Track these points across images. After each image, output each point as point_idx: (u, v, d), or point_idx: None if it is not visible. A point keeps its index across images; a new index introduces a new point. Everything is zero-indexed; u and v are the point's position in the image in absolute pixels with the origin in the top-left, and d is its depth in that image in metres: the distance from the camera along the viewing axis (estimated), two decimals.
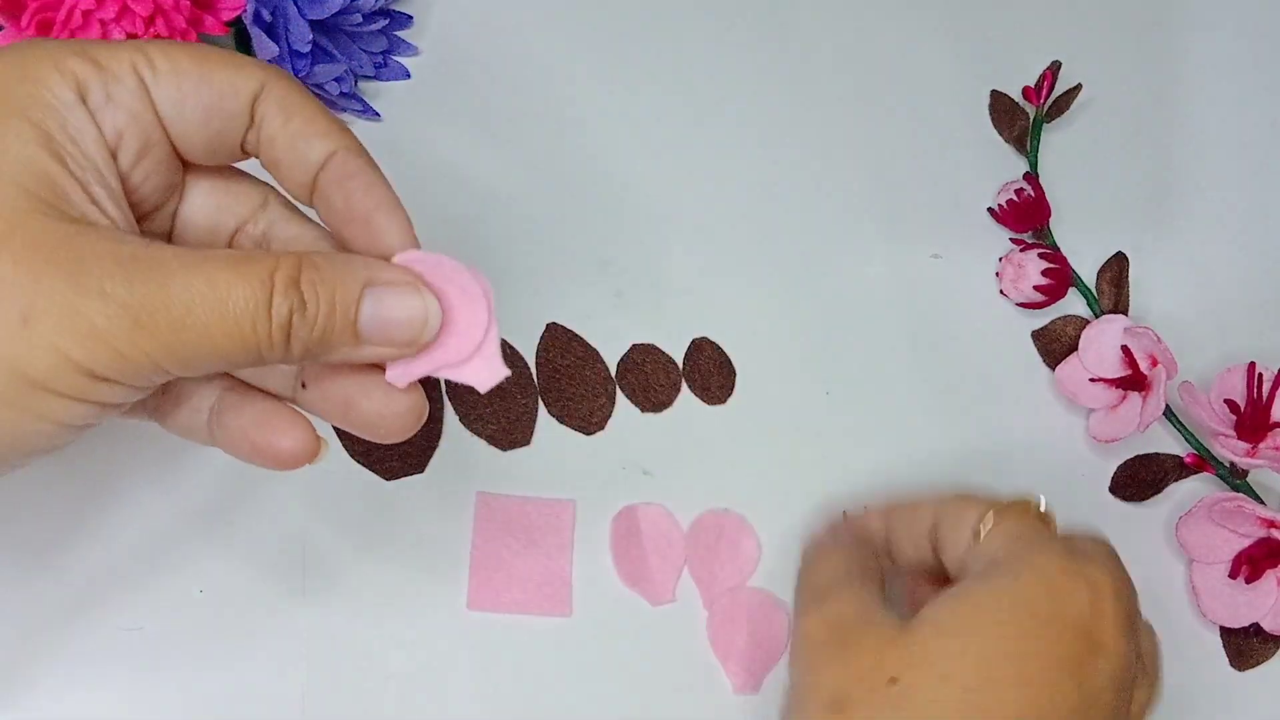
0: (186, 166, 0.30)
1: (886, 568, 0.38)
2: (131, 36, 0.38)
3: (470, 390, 0.42)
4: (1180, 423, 0.45)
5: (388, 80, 0.47)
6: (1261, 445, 0.42)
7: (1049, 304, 0.47)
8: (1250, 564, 0.42)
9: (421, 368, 0.29)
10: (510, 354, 0.44)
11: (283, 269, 0.26)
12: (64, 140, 0.27)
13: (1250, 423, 0.43)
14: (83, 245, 0.25)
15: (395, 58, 0.47)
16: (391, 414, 0.29)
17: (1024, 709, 0.31)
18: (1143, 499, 0.45)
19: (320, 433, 0.31)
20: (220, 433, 0.31)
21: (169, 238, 0.31)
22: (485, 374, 0.29)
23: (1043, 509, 0.36)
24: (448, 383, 0.43)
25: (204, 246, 0.30)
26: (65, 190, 0.26)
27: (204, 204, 0.31)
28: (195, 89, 0.28)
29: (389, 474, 0.42)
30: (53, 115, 0.26)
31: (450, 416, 0.43)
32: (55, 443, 0.27)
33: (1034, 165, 0.49)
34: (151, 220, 0.30)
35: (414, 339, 0.28)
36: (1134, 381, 0.44)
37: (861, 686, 0.32)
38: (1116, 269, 0.48)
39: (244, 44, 0.44)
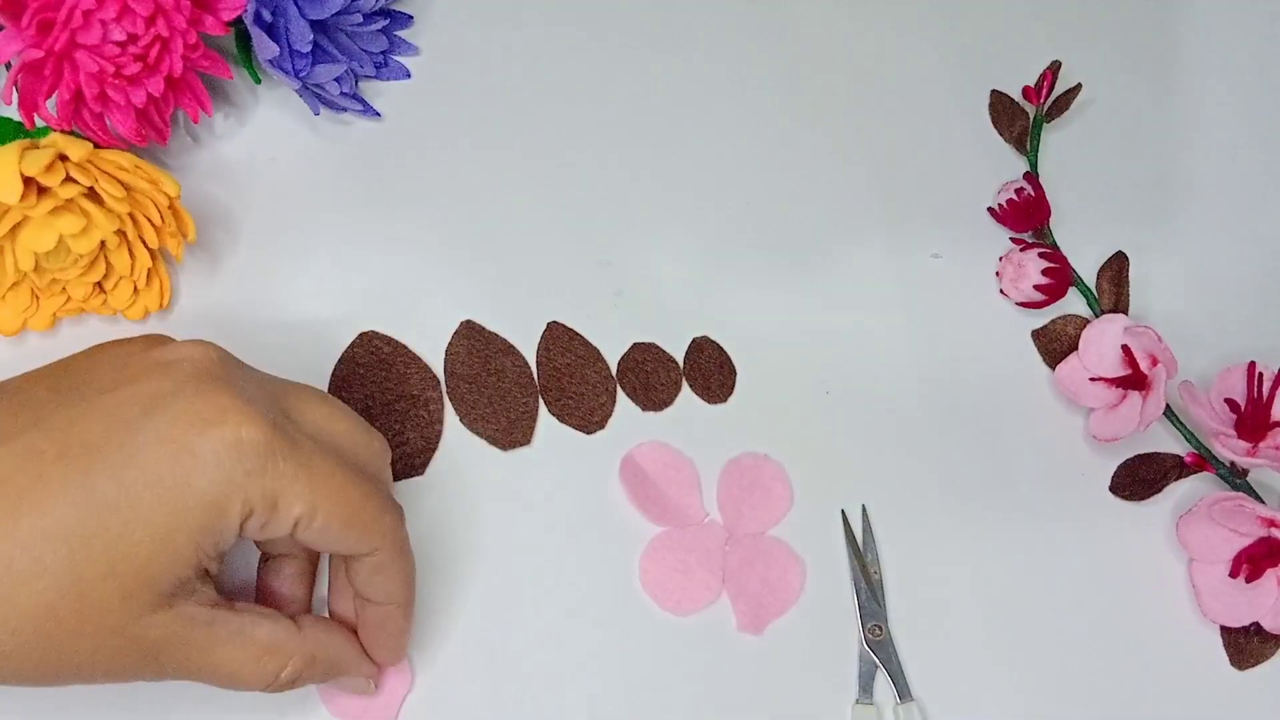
0: None
1: None
2: (132, 37, 0.38)
3: (471, 390, 0.43)
4: (1180, 422, 0.45)
5: (388, 80, 0.47)
6: (1262, 444, 0.42)
7: (1049, 303, 0.47)
8: (1250, 563, 0.42)
9: None
10: (511, 353, 0.44)
11: (290, 669, 0.34)
12: (206, 551, 0.31)
13: (1250, 422, 0.43)
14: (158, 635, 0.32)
15: (395, 58, 0.47)
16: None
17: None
18: (1143, 498, 0.45)
19: None
20: None
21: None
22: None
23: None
24: (448, 382, 0.43)
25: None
26: (176, 579, 0.31)
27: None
28: (332, 543, 0.33)
29: None
30: (209, 537, 0.31)
31: (450, 416, 0.43)
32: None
33: (1034, 165, 0.49)
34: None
35: None
36: (1134, 381, 0.44)
37: None
38: (1116, 268, 0.48)
39: (244, 44, 0.44)
